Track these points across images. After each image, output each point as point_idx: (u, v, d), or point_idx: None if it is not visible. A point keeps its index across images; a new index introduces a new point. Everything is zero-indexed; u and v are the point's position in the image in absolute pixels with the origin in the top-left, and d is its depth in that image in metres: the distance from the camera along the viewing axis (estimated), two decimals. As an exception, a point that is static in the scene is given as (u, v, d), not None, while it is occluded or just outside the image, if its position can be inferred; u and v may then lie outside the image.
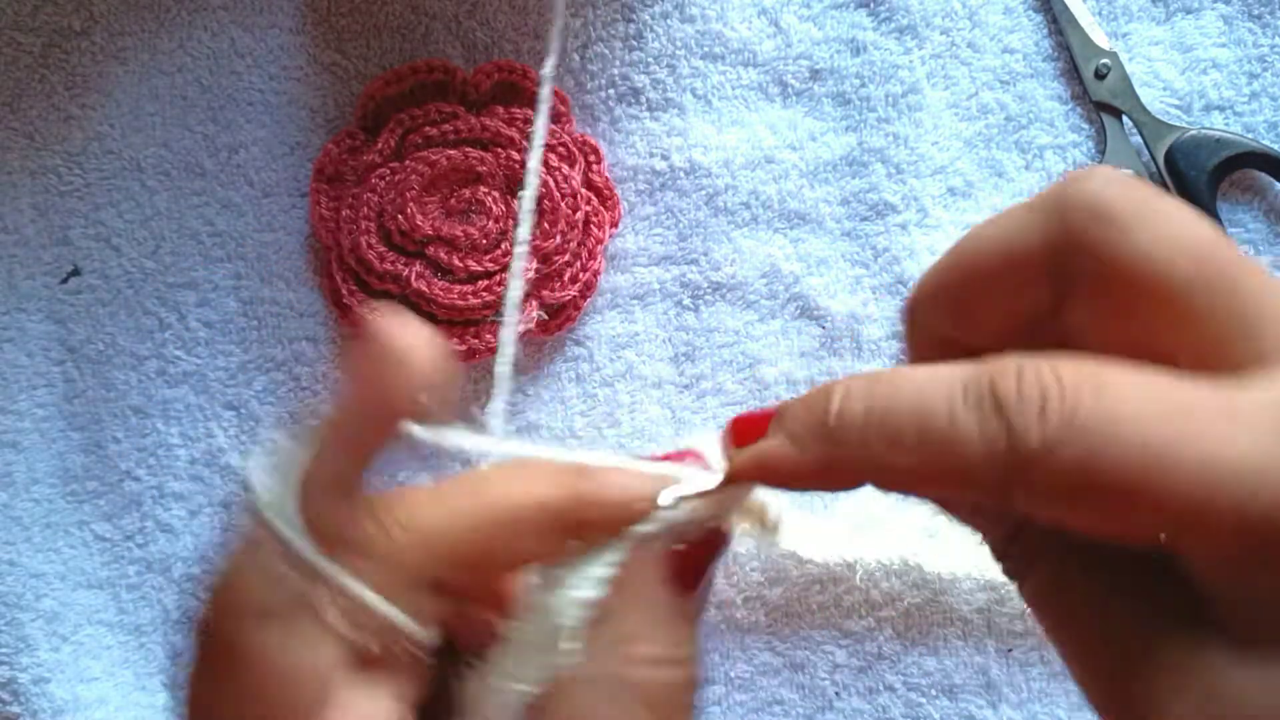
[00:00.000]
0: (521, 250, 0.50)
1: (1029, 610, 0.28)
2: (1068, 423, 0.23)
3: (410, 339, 0.29)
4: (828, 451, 0.26)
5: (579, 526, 0.30)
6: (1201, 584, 0.25)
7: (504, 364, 0.46)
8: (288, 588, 0.29)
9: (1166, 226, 0.25)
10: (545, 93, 0.51)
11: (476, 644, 0.31)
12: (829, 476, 0.26)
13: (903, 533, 0.52)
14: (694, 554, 0.29)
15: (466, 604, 0.32)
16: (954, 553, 0.51)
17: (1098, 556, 0.26)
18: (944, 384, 0.24)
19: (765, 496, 0.31)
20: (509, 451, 0.33)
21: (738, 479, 0.28)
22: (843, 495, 0.52)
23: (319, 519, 0.29)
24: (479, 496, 0.31)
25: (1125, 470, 0.22)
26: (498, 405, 0.46)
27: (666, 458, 0.31)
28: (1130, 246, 0.25)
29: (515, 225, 0.51)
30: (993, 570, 0.51)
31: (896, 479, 0.25)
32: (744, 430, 0.28)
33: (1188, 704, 0.24)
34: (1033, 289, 0.27)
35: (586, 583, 0.29)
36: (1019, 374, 0.24)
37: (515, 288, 0.49)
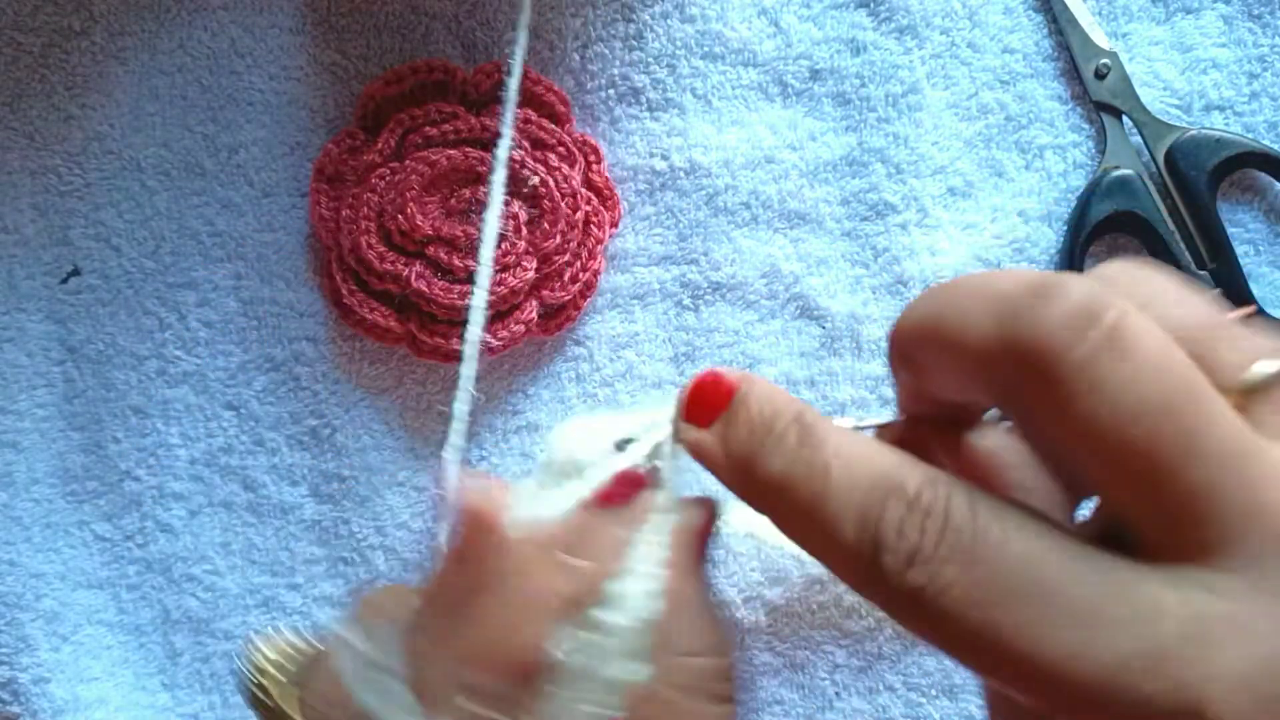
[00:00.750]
0: (485, 272, 0.50)
1: None
2: (927, 583, 0.23)
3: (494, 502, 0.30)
4: (742, 485, 0.27)
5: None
6: None
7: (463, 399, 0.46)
8: None
9: (1123, 384, 0.23)
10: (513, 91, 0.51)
11: None
12: (745, 500, 0.28)
13: None
14: (701, 534, 0.30)
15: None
16: None
17: None
18: (847, 487, 0.25)
19: None
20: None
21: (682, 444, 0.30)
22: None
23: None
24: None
25: (969, 639, 0.23)
26: (455, 440, 0.46)
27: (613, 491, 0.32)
28: (1066, 407, 0.23)
29: (496, 229, 0.51)
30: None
31: (790, 536, 0.26)
32: (701, 401, 0.29)
33: None
34: (975, 386, 0.26)
35: (628, 604, 0.30)
36: (909, 509, 0.24)
37: (476, 324, 0.49)
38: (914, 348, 0.28)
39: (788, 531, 0.26)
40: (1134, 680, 0.22)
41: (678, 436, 0.29)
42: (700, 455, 0.29)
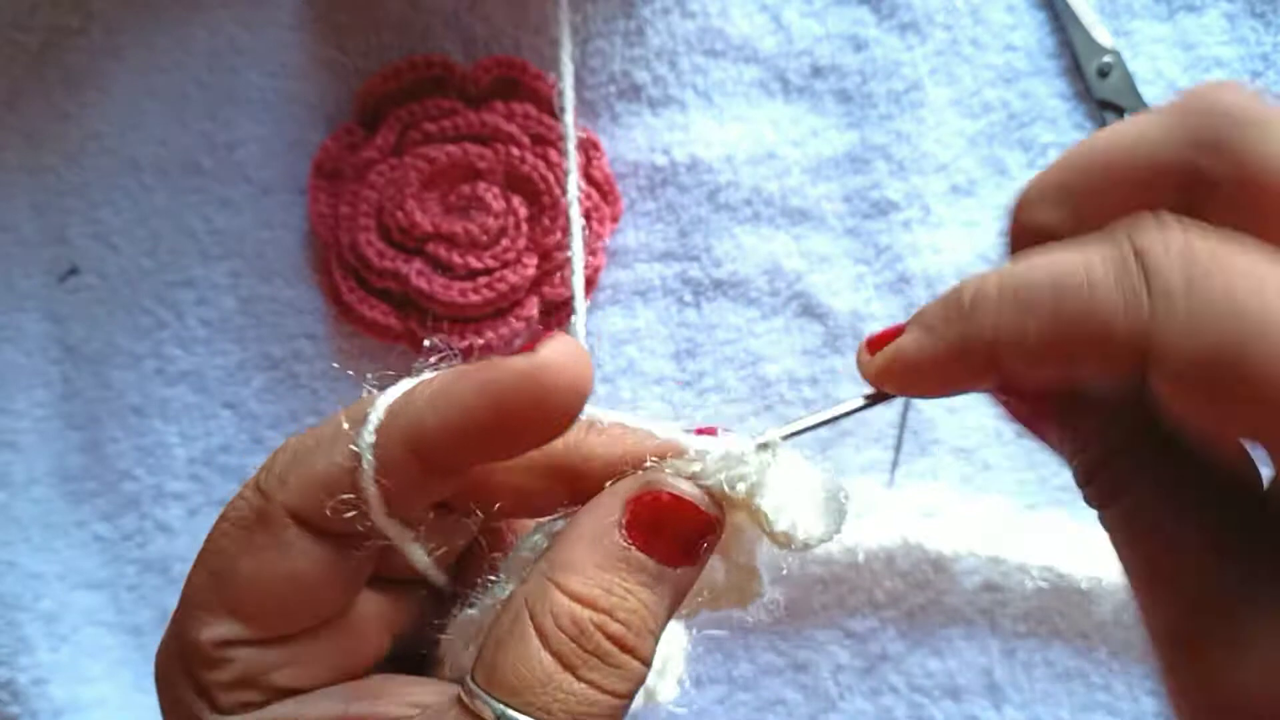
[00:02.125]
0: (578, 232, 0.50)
1: (1108, 537, 0.28)
2: (1213, 295, 0.21)
3: (577, 370, 0.27)
4: (961, 331, 0.25)
5: (573, 476, 0.29)
6: None
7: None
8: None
9: None
10: (568, 113, 0.51)
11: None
12: (961, 363, 0.25)
13: (902, 514, 0.52)
14: (677, 520, 0.27)
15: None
16: (953, 533, 0.51)
17: (1189, 495, 0.25)
18: (1080, 251, 0.23)
19: (772, 501, 0.29)
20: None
21: (876, 384, 0.28)
22: (842, 484, 0.52)
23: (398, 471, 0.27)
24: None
25: (1269, 353, 0.21)
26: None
27: (701, 432, 0.30)
28: (1271, 149, 0.24)
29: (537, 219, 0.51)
30: (994, 550, 0.51)
31: (1030, 353, 0.24)
32: (878, 341, 0.28)
33: (1258, 667, 0.23)
34: (1162, 193, 0.25)
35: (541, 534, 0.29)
36: (1166, 237, 0.23)
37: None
38: (1085, 174, 0.27)
39: (1039, 343, 0.24)
40: None
41: (867, 375, 0.28)
42: (899, 360, 0.27)
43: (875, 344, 0.28)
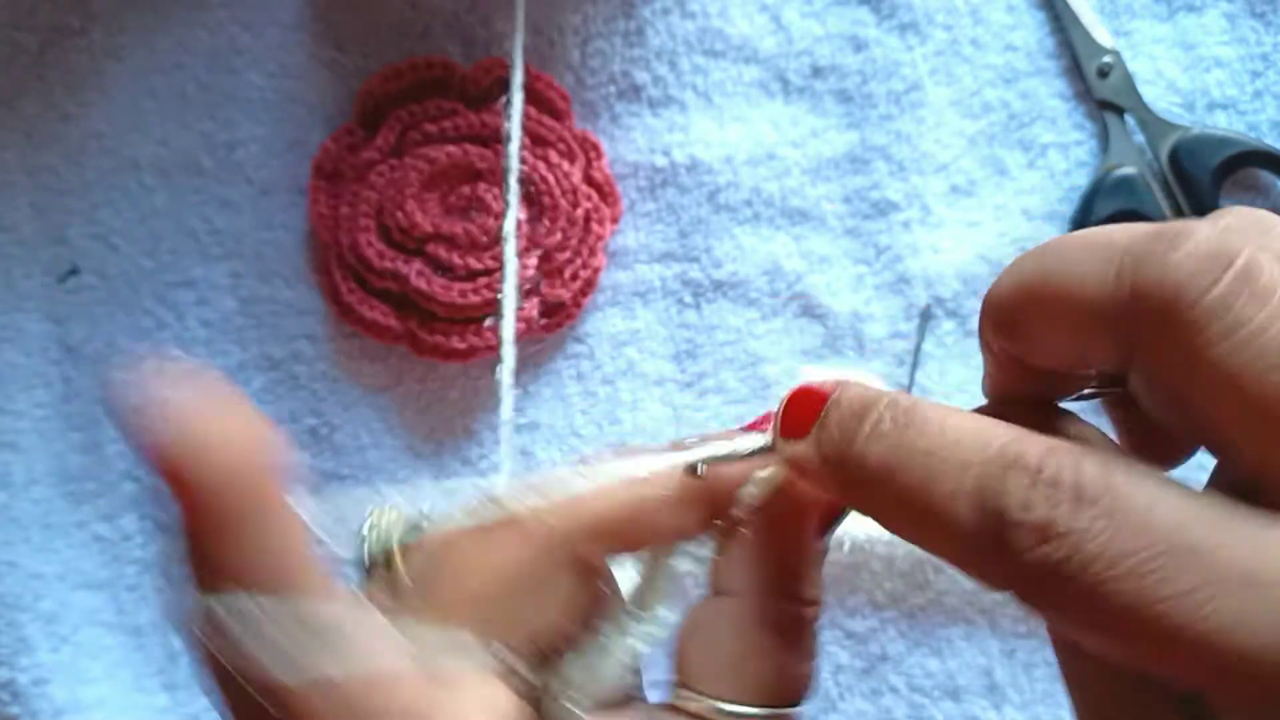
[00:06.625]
0: (511, 253, 0.50)
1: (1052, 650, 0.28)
2: (1067, 557, 0.21)
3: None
4: (843, 486, 0.26)
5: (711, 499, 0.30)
6: None
7: (507, 372, 0.46)
8: None
9: (1261, 326, 0.21)
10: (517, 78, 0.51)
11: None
12: (849, 503, 0.27)
13: None
14: (829, 508, 0.30)
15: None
16: None
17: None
18: (958, 465, 0.23)
19: None
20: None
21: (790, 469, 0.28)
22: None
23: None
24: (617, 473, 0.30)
25: (1115, 615, 0.21)
26: (505, 411, 0.47)
27: (756, 425, 0.32)
28: (1201, 354, 0.22)
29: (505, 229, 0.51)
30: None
31: (898, 532, 0.25)
32: (797, 413, 0.27)
33: None
34: (1094, 342, 0.24)
35: (687, 559, 0.30)
36: (1033, 481, 0.22)
37: (510, 292, 0.49)
38: (1019, 309, 0.26)
39: (895, 526, 0.25)
40: None
41: (779, 455, 0.28)
42: (798, 469, 0.27)
43: (792, 418, 0.27)
